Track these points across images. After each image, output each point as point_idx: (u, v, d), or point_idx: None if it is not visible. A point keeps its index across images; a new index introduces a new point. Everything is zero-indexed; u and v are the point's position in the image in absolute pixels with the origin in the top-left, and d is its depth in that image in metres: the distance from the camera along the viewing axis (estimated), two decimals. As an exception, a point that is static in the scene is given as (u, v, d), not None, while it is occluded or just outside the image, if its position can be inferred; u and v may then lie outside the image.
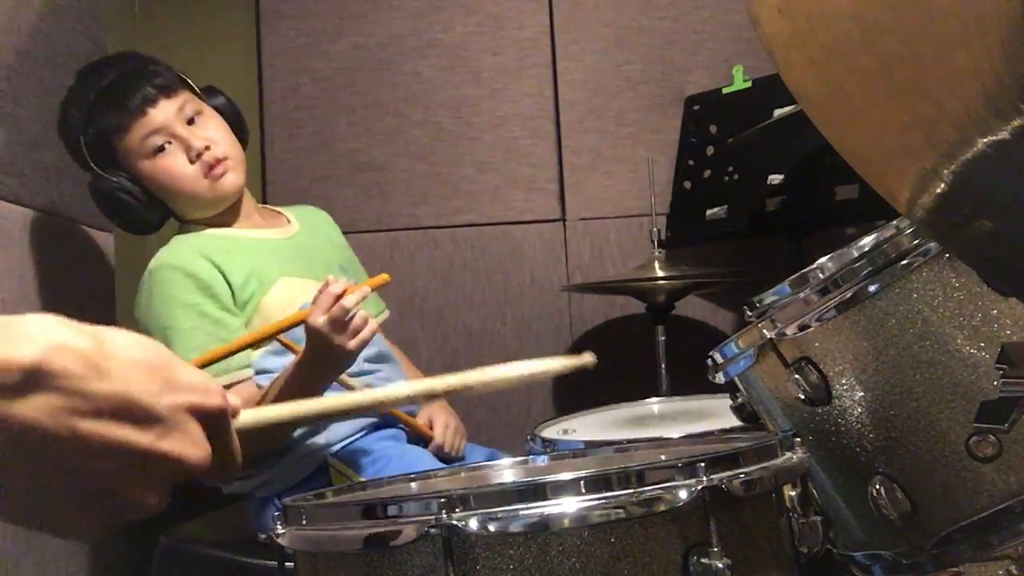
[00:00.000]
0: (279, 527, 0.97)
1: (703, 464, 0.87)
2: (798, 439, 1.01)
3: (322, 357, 1.50)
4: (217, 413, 0.65)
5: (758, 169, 2.15)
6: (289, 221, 1.87)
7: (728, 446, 1.03)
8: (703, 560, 0.85)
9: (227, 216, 1.77)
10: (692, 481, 0.86)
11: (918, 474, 1.07)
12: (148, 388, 0.60)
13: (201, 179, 1.68)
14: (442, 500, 0.85)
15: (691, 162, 2.29)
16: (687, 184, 2.29)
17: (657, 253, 2.07)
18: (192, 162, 1.67)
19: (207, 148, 1.67)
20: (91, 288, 1.91)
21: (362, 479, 1.59)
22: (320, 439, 1.66)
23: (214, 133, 1.71)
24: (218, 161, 1.68)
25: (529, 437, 1.63)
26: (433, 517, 0.85)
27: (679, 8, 2.42)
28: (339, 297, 1.47)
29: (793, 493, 0.99)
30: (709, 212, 2.21)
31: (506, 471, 1.25)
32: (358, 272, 1.91)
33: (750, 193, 2.16)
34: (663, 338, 2.08)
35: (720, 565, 0.84)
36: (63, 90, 1.75)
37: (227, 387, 1.57)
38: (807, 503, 1.00)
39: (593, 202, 2.42)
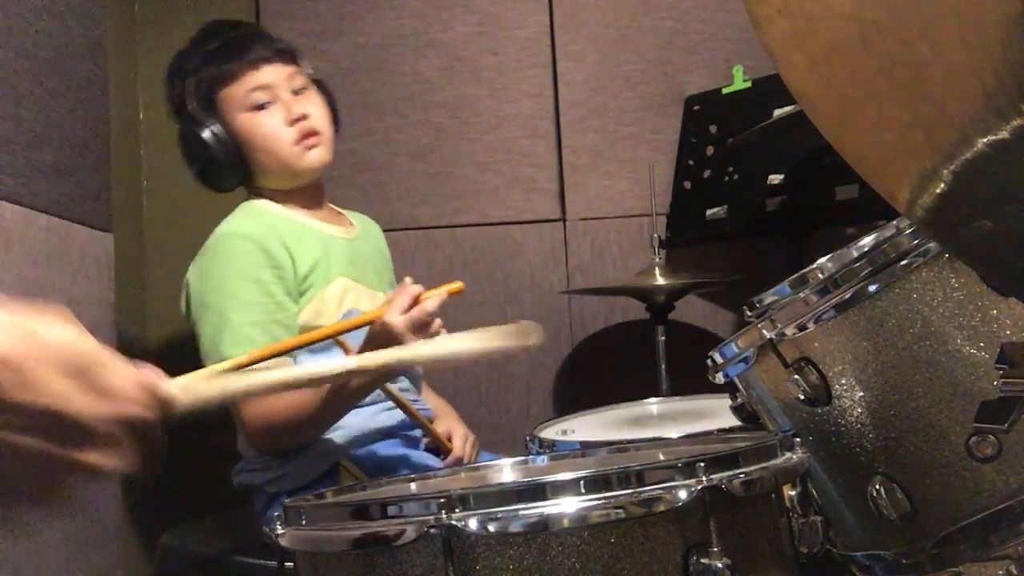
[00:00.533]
0: (279, 527, 0.97)
1: (703, 464, 0.87)
2: (798, 439, 1.01)
3: None
4: (143, 420, 0.63)
5: (758, 169, 2.15)
6: (352, 224, 1.88)
7: (728, 446, 1.03)
8: (703, 560, 0.85)
9: (303, 198, 1.78)
10: (692, 481, 0.86)
11: (918, 474, 1.07)
12: (73, 397, 0.58)
13: (292, 144, 1.70)
14: (442, 500, 0.85)
15: (691, 162, 2.30)
16: (687, 184, 2.29)
17: (658, 259, 2.07)
18: (285, 125, 1.70)
19: (305, 117, 1.71)
20: (91, 288, 1.91)
21: None
22: (336, 440, 1.66)
23: (315, 109, 1.74)
24: (313, 132, 1.72)
25: (528, 438, 1.63)
26: (433, 517, 0.85)
27: (679, 8, 2.42)
28: (417, 299, 1.48)
29: (793, 493, 1.00)
30: (709, 212, 2.21)
31: (506, 471, 1.25)
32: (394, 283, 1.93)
33: (750, 193, 2.17)
34: (663, 338, 2.08)
35: (720, 565, 0.84)
36: (63, 90, 1.75)
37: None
38: (807, 503, 1.00)
39: (593, 202, 2.42)
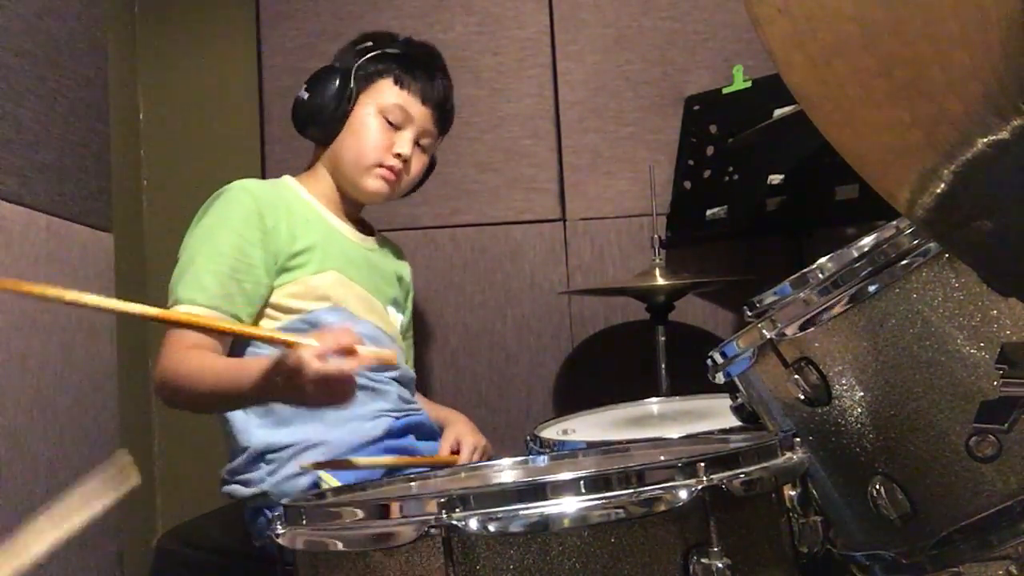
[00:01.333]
0: (279, 527, 0.97)
1: (703, 464, 0.87)
2: (798, 439, 1.01)
3: (281, 384, 1.35)
4: None
5: (758, 169, 2.15)
6: (375, 240, 1.89)
7: (728, 446, 1.03)
8: (703, 560, 0.85)
9: (342, 202, 1.82)
10: (692, 481, 0.86)
11: (918, 474, 1.06)
12: None
13: (372, 163, 1.76)
14: (442, 500, 0.85)
15: (691, 162, 2.30)
16: (687, 184, 2.29)
17: (658, 259, 2.07)
18: (387, 150, 1.75)
19: (403, 163, 1.77)
20: (91, 288, 1.91)
21: None
22: (313, 454, 1.62)
23: (417, 165, 1.82)
24: (394, 176, 1.77)
25: (529, 438, 1.63)
26: (433, 517, 0.85)
27: (679, 8, 2.42)
28: (345, 350, 1.31)
29: (793, 493, 1.00)
30: (709, 212, 2.21)
31: (506, 471, 1.25)
32: (404, 311, 1.91)
33: (750, 193, 2.16)
34: (663, 338, 2.08)
35: (720, 565, 0.84)
36: (63, 90, 1.75)
37: (228, 335, 1.56)
38: (807, 503, 1.00)
39: (593, 202, 2.42)
